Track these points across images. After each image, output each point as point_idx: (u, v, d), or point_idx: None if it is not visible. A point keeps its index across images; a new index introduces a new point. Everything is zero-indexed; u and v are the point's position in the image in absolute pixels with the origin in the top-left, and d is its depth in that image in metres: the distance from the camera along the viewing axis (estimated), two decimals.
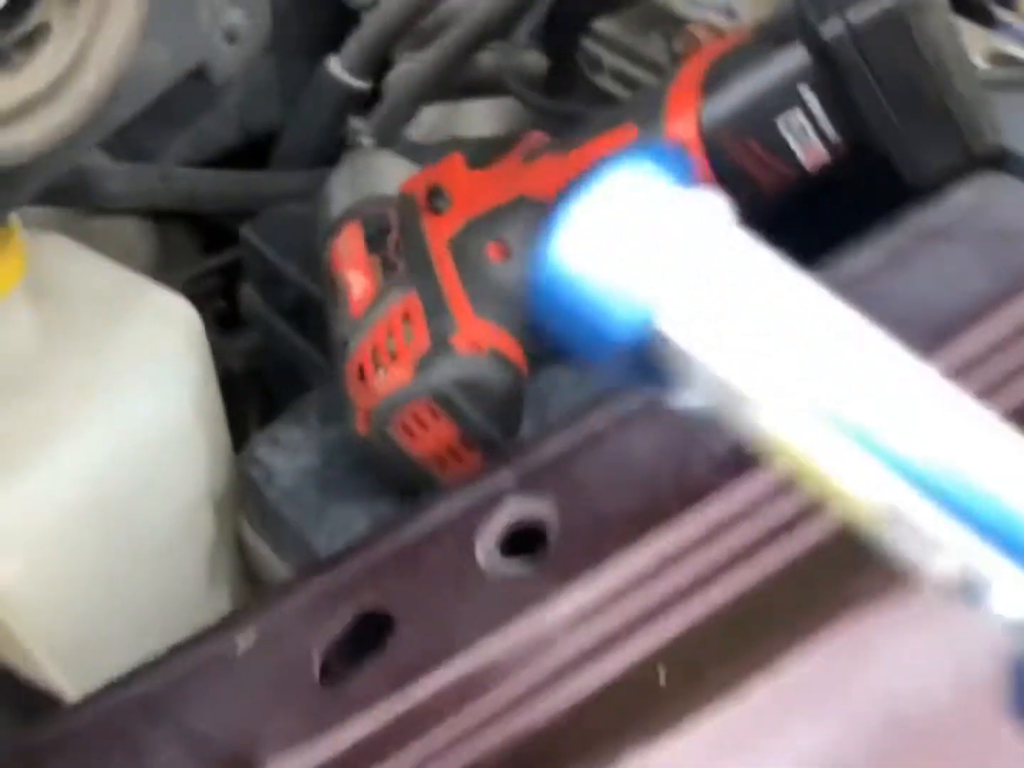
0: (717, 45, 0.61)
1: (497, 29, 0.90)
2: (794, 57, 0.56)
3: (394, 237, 0.65)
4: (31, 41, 0.53)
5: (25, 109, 0.53)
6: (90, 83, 0.55)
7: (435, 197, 0.65)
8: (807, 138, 0.57)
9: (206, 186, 0.86)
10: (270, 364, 0.82)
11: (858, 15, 0.54)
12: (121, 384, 0.63)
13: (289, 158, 0.93)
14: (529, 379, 0.62)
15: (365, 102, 0.95)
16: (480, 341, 0.59)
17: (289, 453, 0.65)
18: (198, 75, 0.63)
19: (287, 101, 1.00)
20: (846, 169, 0.59)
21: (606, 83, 0.80)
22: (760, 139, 0.58)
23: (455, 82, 0.96)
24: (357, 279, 0.64)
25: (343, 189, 0.72)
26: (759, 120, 0.57)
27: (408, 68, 0.97)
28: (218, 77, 0.63)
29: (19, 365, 0.62)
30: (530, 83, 0.96)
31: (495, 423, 0.60)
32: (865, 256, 0.56)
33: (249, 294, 0.81)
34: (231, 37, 0.62)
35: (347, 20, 0.99)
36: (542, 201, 0.62)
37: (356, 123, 0.82)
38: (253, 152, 1.01)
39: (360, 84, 0.91)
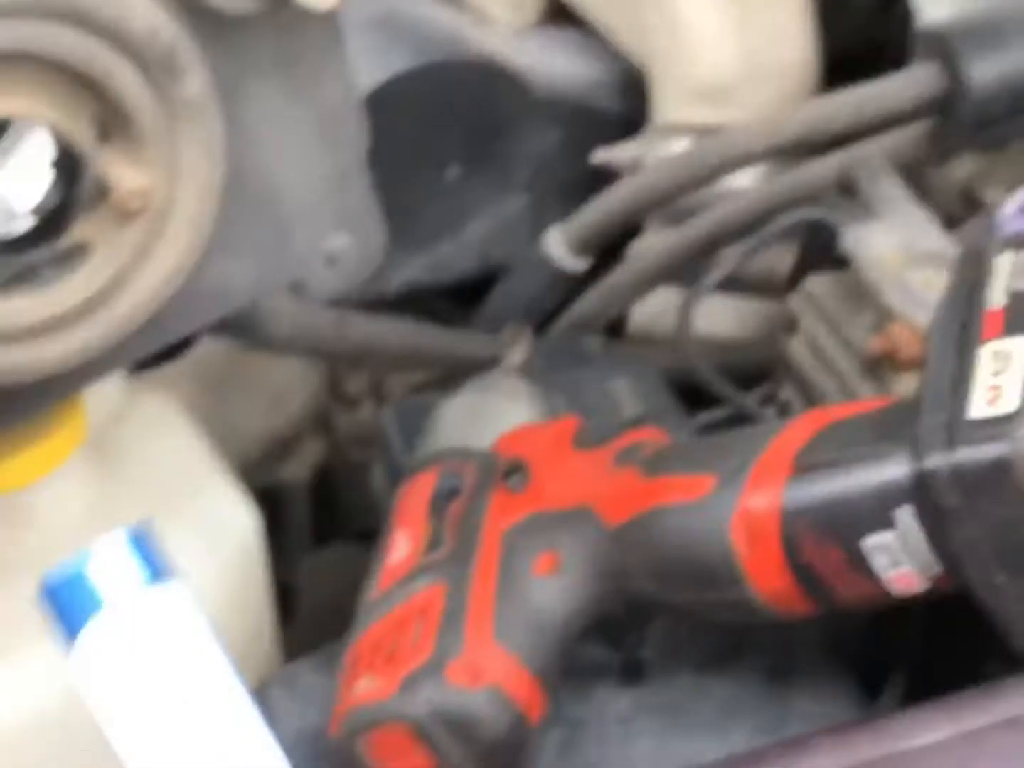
0: (829, 412, 0.51)
1: (751, 227, 0.81)
2: (894, 473, 0.45)
3: (458, 506, 0.59)
4: (67, 259, 0.51)
5: (49, 327, 0.51)
6: (123, 310, 0.51)
7: (512, 473, 0.58)
8: (898, 564, 0.46)
9: (383, 339, 0.82)
10: None
11: (967, 454, 0.42)
12: None
13: (490, 322, 0.88)
14: (548, 726, 0.54)
15: (594, 270, 0.89)
16: (481, 672, 0.52)
17: (300, 704, 0.60)
18: (292, 290, 0.58)
19: (534, 240, 0.94)
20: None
21: (796, 348, 0.69)
22: (843, 552, 0.47)
23: (695, 270, 0.87)
24: (402, 542, 0.58)
25: (450, 420, 0.66)
26: (843, 532, 0.47)
27: (651, 243, 0.89)
28: (312, 296, 0.58)
29: (48, 544, 0.60)
30: (769, 286, 0.87)
31: (484, 767, 0.52)
32: (936, 726, 0.45)
33: (377, 476, 0.76)
34: (332, 261, 0.57)
35: (611, 176, 0.93)
36: (605, 522, 0.54)
37: (513, 331, 0.76)
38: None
39: (574, 264, 0.85)
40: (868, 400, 0.57)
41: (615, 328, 0.92)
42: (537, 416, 0.67)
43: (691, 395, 0.78)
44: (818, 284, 0.69)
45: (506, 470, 0.58)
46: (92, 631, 0.32)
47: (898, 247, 0.65)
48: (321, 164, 0.55)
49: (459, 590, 0.55)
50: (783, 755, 0.50)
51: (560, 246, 0.85)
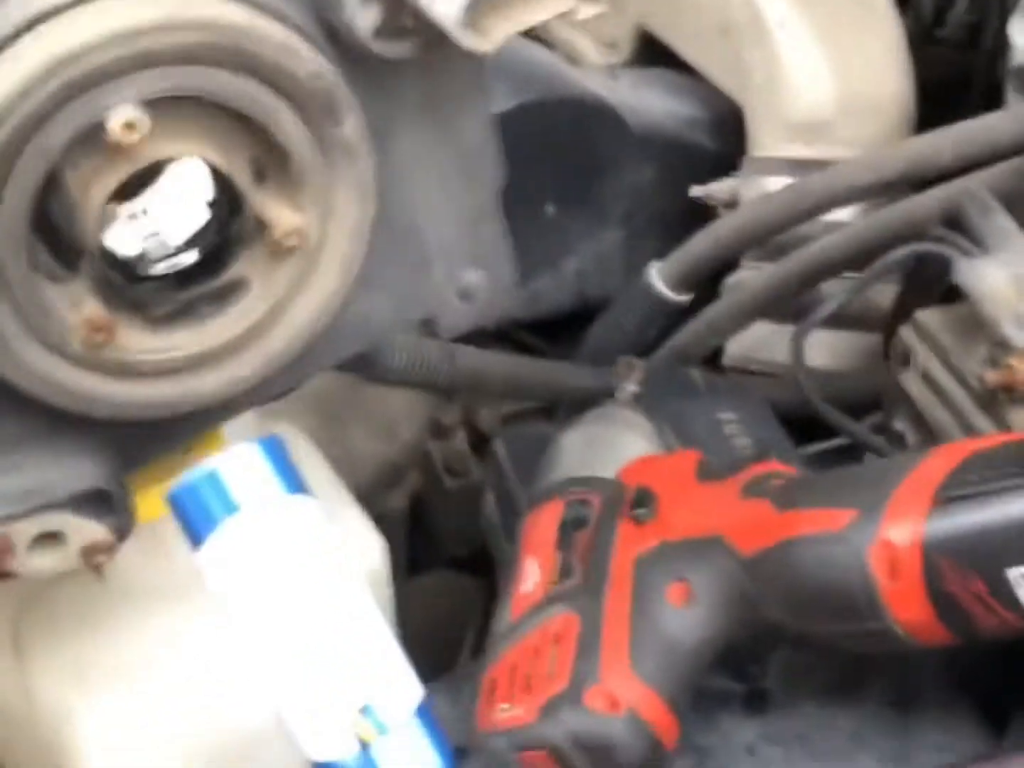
0: (969, 443, 0.52)
1: (852, 261, 0.82)
2: None
3: (586, 535, 0.60)
4: (225, 295, 0.52)
5: (206, 361, 0.52)
6: (277, 345, 0.53)
7: (640, 503, 0.59)
8: None
9: (492, 370, 0.83)
10: (495, 581, 0.79)
11: None
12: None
13: (592, 354, 0.89)
14: (678, 754, 0.55)
15: (688, 309, 0.90)
16: (620, 699, 0.53)
17: None
18: (424, 325, 0.60)
19: (631, 277, 0.96)
20: None
21: (909, 381, 0.70)
22: (987, 583, 0.48)
23: (792, 305, 0.88)
24: (533, 570, 0.60)
25: (571, 450, 0.67)
26: (988, 562, 0.48)
27: (746, 278, 0.91)
28: (444, 332, 0.59)
29: (186, 571, 0.61)
30: (872, 322, 0.87)
31: None
32: None
33: (489, 502, 0.77)
34: (465, 296, 0.59)
35: (706, 210, 0.95)
36: (738, 552, 0.55)
37: (625, 362, 0.77)
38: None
39: (675, 298, 0.86)
40: (1009, 433, 0.58)
41: (710, 362, 0.94)
42: (655, 447, 0.68)
43: (793, 428, 0.79)
44: (930, 317, 0.70)
45: (634, 500, 0.60)
46: (229, 530, 0.33)
47: (1013, 280, 0.65)
48: (460, 202, 0.57)
49: (593, 619, 0.56)
50: None
51: (661, 280, 0.86)
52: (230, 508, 0.43)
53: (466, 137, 0.55)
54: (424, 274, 0.58)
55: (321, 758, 0.31)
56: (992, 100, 0.92)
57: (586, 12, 0.49)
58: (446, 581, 0.95)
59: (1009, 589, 0.47)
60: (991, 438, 0.54)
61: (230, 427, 0.62)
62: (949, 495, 0.49)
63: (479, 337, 0.88)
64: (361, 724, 0.31)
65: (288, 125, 0.50)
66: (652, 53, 1.05)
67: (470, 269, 0.58)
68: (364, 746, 0.31)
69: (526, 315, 0.99)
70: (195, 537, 0.44)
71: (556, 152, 0.95)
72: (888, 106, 0.89)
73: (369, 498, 0.77)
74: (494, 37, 0.49)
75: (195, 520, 0.41)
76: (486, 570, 0.89)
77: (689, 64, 1.00)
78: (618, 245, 0.99)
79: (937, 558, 0.49)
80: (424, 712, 0.32)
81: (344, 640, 0.32)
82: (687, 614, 0.55)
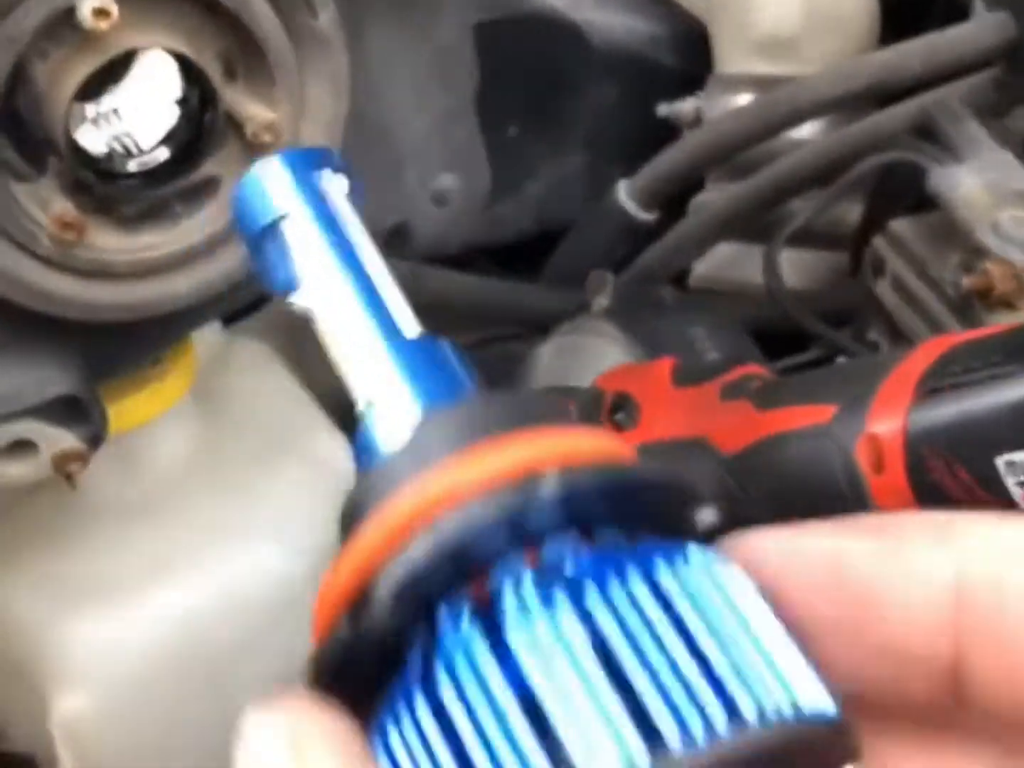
0: (951, 337, 0.52)
1: (819, 177, 0.82)
2: None
3: None
4: (197, 194, 0.51)
5: (178, 262, 0.51)
6: None
7: (619, 409, 0.59)
8: None
9: (457, 290, 0.82)
10: None
11: None
12: (256, 530, 0.61)
13: (559, 275, 0.88)
14: None
15: (655, 229, 0.90)
16: None
17: None
18: (394, 234, 0.59)
19: (594, 200, 0.95)
20: None
21: (884, 291, 0.70)
22: (972, 471, 0.48)
23: (758, 224, 0.88)
24: None
25: (547, 362, 0.67)
26: (975, 451, 0.48)
27: (713, 198, 0.90)
28: (418, 240, 0.59)
29: (160, 485, 0.60)
30: (838, 240, 0.87)
31: None
32: None
33: None
34: (440, 201, 0.58)
35: (668, 132, 0.94)
36: (720, 452, 0.55)
37: (597, 276, 0.76)
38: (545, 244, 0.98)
39: (644, 216, 0.86)
40: (990, 327, 0.58)
41: (676, 283, 0.93)
42: (630, 357, 0.68)
43: (763, 346, 0.79)
44: (903, 226, 0.70)
45: (612, 405, 0.59)
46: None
47: (987, 187, 0.65)
48: (433, 103, 0.56)
49: None
50: None
51: (629, 198, 0.85)
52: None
53: (442, 35, 0.54)
54: (396, 178, 0.57)
55: None
56: (953, 18, 0.92)
57: None
58: None
59: (997, 477, 0.47)
60: (974, 331, 0.54)
61: (197, 341, 0.62)
62: (933, 386, 0.49)
63: (438, 263, 0.87)
64: None
65: (261, 15, 0.48)
66: None
67: (444, 173, 0.58)
68: None
69: (487, 240, 0.98)
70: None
71: (517, 71, 0.93)
72: (853, 22, 0.88)
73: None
74: None
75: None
76: None
77: None
78: (581, 168, 0.97)
79: (922, 449, 0.49)
80: None
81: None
82: None
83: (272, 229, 0.30)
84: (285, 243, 0.30)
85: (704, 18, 0.93)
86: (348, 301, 0.29)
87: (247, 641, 0.60)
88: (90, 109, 0.51)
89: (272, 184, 0.30)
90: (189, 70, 0.49)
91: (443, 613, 0.22)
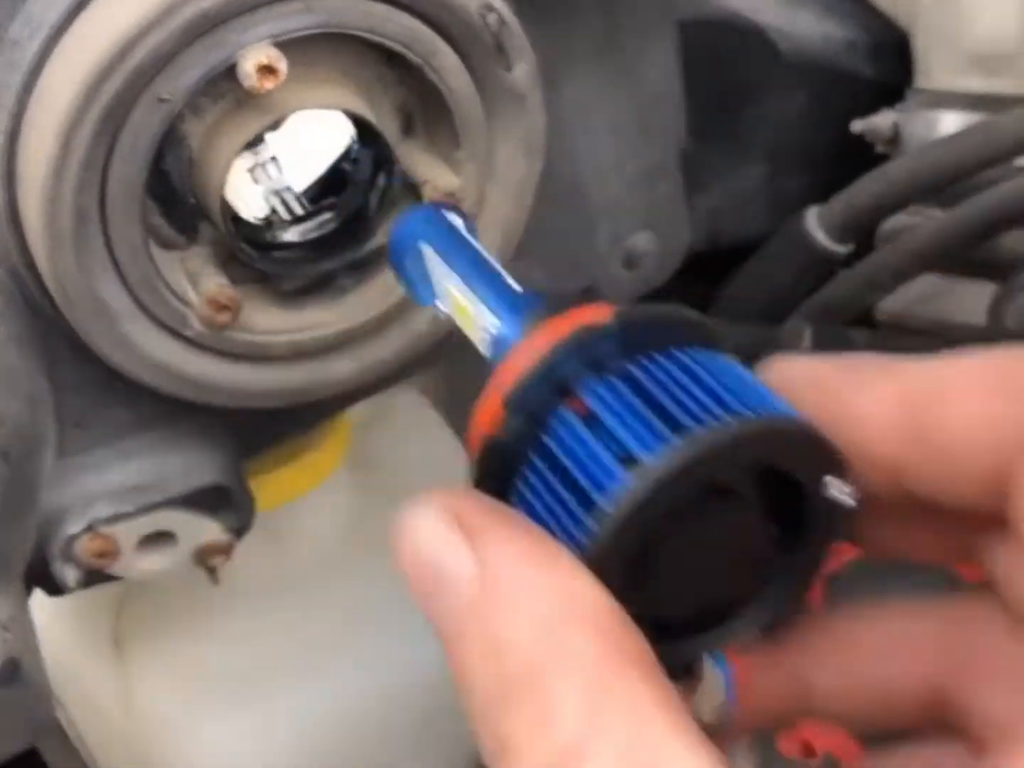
0: None
1: None
2: None
3: None
4: (365, 266, 0.45)
5: (344, 342, 0.45)
6: (421, 326, 0.45)
7: None
8: None
9: None
10: None
11: None
12: (414, 617, 0.54)
13: (736, 307, 0.81)
14: None
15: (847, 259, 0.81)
16: (815, 745, 0.46)
17: None
18: (583, 294, 0.52)
19: (774, 219, 0.87)
20: None
21: None
22: None
23: (963, 258, 0.79)
24: None
25: None
26: None
27: (912, 225, 0.81)
28: (606, 300, 0.51)
29: (310, 565, 0.55)
30: None
31: None
32: None
33: None
34: (630, 263, 0.51)
35: (858, 148, 0.85)
36: None
37: (796, 325, 0.68)
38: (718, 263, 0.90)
39: (835, 248, 0.77)
40: None
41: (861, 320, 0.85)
42: None
43: None
44: None
45: None
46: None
47: None
48: (634, 156, 0.49)
49: None
50: None
51: (821, 228, 0.77)
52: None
53: (647, 80, 0.47)
54: (587, 240, 0.50)
55: None
56: None
57: None
58: None
59: None
60: None
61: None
62: None
63: None
64: None
65: (449, 68, 0.41)
66: None
67: (638, 232, 0.50)
68: None
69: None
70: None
71: (695, 77, 0.86)
72: None
73: None
74: None
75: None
76: None
77: None
78: (759, 182, 0.89)
79: None
80: None
81: None
82: None
83: (415, 251, 0.38)
84: (426, 262, 0.37)
85: (907, 26, 0.84)
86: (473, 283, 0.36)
87: (401, 741, 0.54)
88: (247, 159, 0.45)
89: (415, 219, 0.39)
90: (362, 127, 0.43)
91: (550, 417, 0.31)
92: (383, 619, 0.54)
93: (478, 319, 0.35)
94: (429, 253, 0.37)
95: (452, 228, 0.38)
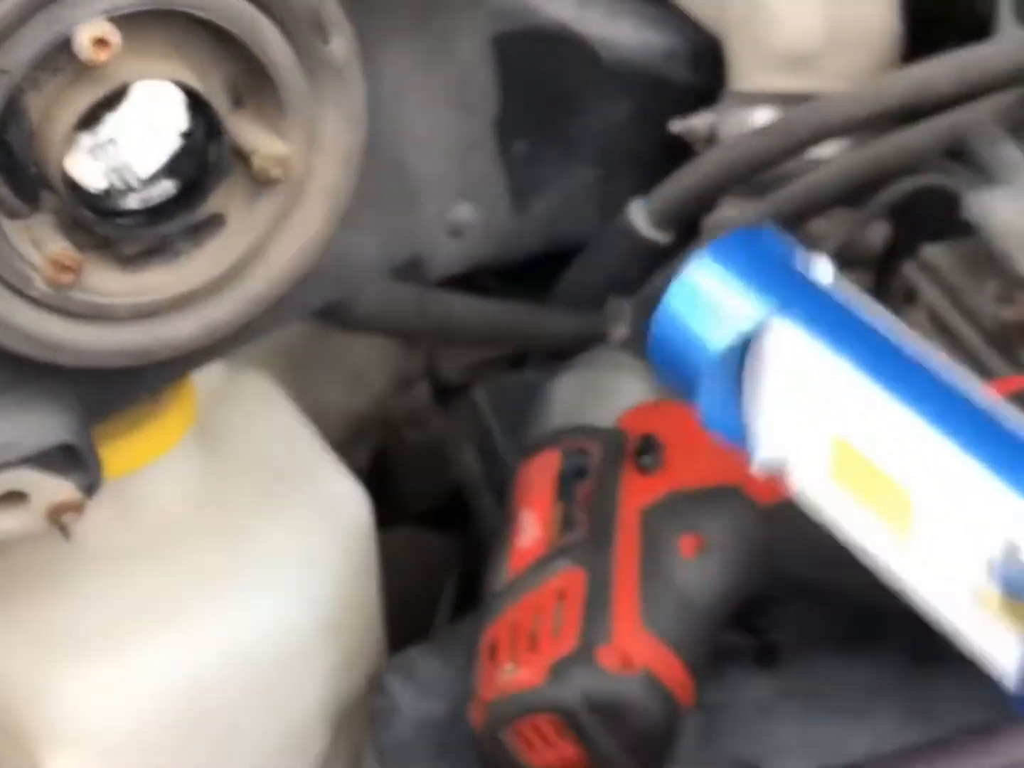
0: (1012, 381, 0.49)
1: (843, 197, 0.79)
2: None
3: (587, 485, 0.56)
4: (202, 231, 0.48)
5: (183, 303, 0.48)
6: (258, 286, 0.49)
7: (644, 452, 0.56)
8: None
9: (464, 315, 0.79)
10: (473, 535, 0.75)
11: None
12: (260, 578, 0.57)
13: (569, 297, 0.85)
14: (694, 711, 0.52)
15: (668, 250, 0.87)
16: (635, 658, 0.50)
17: (420, 690, 0.58)
18: (409, 266, 0.56)
19: (604, 219, 0.92)
20: None
21: (915, 320, 0.67)
22: None
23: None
24: (531, 524, 0.56)
25: (564, 397, 0.64)
26: None
27: (730, 217, 0.87)
28: (434, 272, 0.56)
29: (158, 531, 0.57)
30: (864, 260, 0.84)
31: (633, 755, 0.50)
32: None
33: (468, 458, 0.74)
34: (456, 232, 0.55)
35: (681, 149, 0.91)
36: (755, 501, 0.52)
37: (615, 304, 0.73)
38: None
39: (658, 237, 0.83)
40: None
41: None
42: (654, 392, 0.65)
43: None
44: (937, 253, 0.67)
45: (638, 448, 0.56)
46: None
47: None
48: (451, 130, 0.53)
49: (600, 574, 0.53)
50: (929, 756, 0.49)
51: (643, 218, 0.82)
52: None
53: (460, 57, 0.51)
54: (412, 210, 0.54)
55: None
56: (974, 33, 0.89)
57: None
58: (413, 537, 0.91)
59: None
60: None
61: (198, 376, 0.59)
62: None
63: (441, 284, 0.84)
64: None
65: (271, 42, 0.45)
66: None
67: (461, 203, 0.55)
68: None
69: (494, 259, 0.95)
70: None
71: (524, 86, 0.90)
72: (877, 36, 0.85)
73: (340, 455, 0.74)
74: None
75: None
76: (451, 524, 0.85)
77: None
78: (591, 184, 0.94)
79: None
80: None
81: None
82: (701, 567, 0.52)
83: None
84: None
85: (719, 31, 0.90)
86: None
87: (250, 695, 0.57)
88: (86, 139, 0.48)
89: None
90: (194, 99, 0.46)
91: None
92: (229, 580, 0.57)
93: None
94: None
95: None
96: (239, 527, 0.58)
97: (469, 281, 0.95)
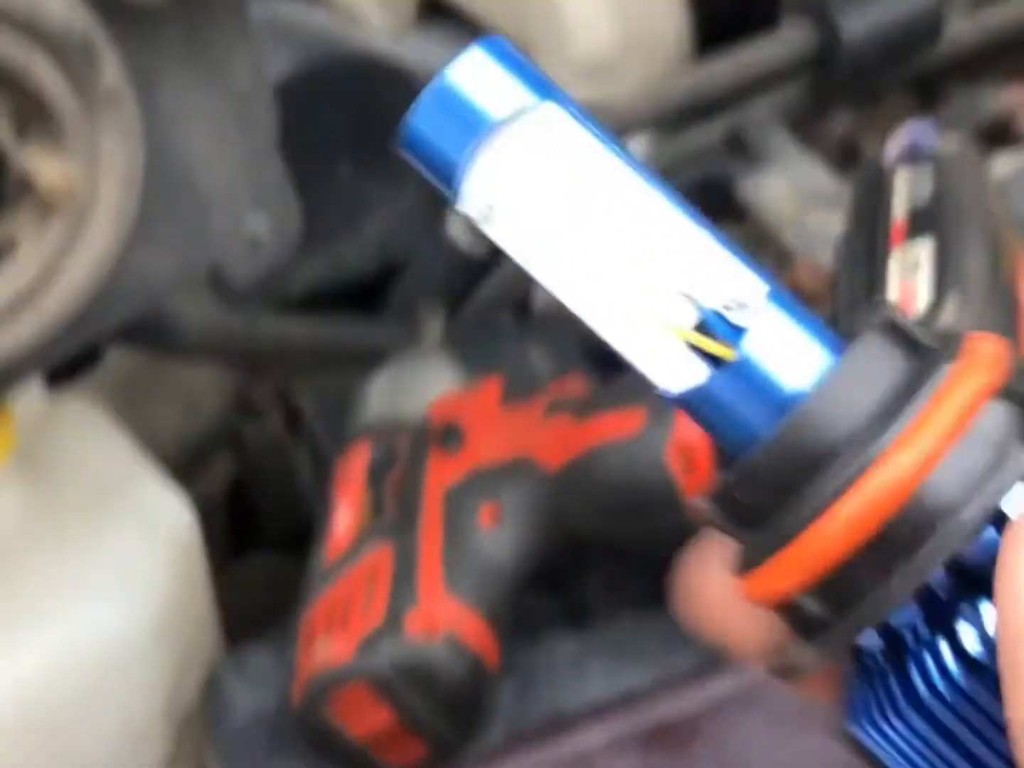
0: None
1: None
2: None
3: (396, 471, 0.60)
4: None
5: None
6: (51, 307, 0.52)
7: (448, 435, 0.60)
8: None
9: (294, 336, 0.83)
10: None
11: None
12: (91, 588, 0.60)
13: (400, 310, 0.89)
14: (507, 675, 0.56)
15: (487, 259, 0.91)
16: (438, 622, 0.54)
17: (251, 683, 0.61)
18: (212, 279, 0.59)
19: (432, 235, 0.96)
20: None
21: None
22: None
23: None
24: (345, 512, 0.60)
25: (377, 395, 0.67)
26: None
27: None
28: (236, 283, 0.59)
29: None
30: None
31: (446, 717, 0.54)
32: None
33: (304, 466, 0.77)
34: (252, 244, 0.58)
35: None
36: (544, 469, 0.56)
37: (428, 304, 0.77)
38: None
39: (476, 248, 0.87)
40: None
41: (522, 309, 0.94)
42: (461, 384, 0.68)
43: (606, 362, 0.80)
44: None
45: (442, 432, 0.60)
46: (487, 154, 0.25)
47: (792, 192, 0.68)
48: (235, 146, 0.56)
49: (407, 549, 0.56)
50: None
51: (462, 231, 0.86)
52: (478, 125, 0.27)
53: (236, 80, 0.55)
54: (205, 222, 0.57)
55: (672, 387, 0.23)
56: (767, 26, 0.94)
57: None
58: (269, 564, 0.94)
59: None
60: None
61: (18, 406, 0.61)
62: None
63: (285, 311, 0.87)
64: (703, 341, 0.23)
65: (45, 75, 0.48)
66: (437, 10, 1.05)
67: (253, 213, 0.58)
68: (716, 362, 0.24)
69: (330, 283, 0.99)
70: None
71: (346, 115, 0.95)
72: (667, 41, 0.90)
73: (178, 479, 0.76)
74: None
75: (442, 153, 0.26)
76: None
77: (473, 18, 1.00)
78: (419, 205, 0.99)
79: None
80: (777, 296, 0.25)
81: (658, 242, 0.25)
82: (498, 533, 0.56)
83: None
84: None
85: (524, 46, 0.94)
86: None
87: (84, 702, 0.59)
88: None
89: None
90: None
91: None
92: (54, 592, 0.59)
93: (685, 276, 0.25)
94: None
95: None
96: (66, 542, 0.61)
97: (320, 306, 0.99)
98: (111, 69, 0.50)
